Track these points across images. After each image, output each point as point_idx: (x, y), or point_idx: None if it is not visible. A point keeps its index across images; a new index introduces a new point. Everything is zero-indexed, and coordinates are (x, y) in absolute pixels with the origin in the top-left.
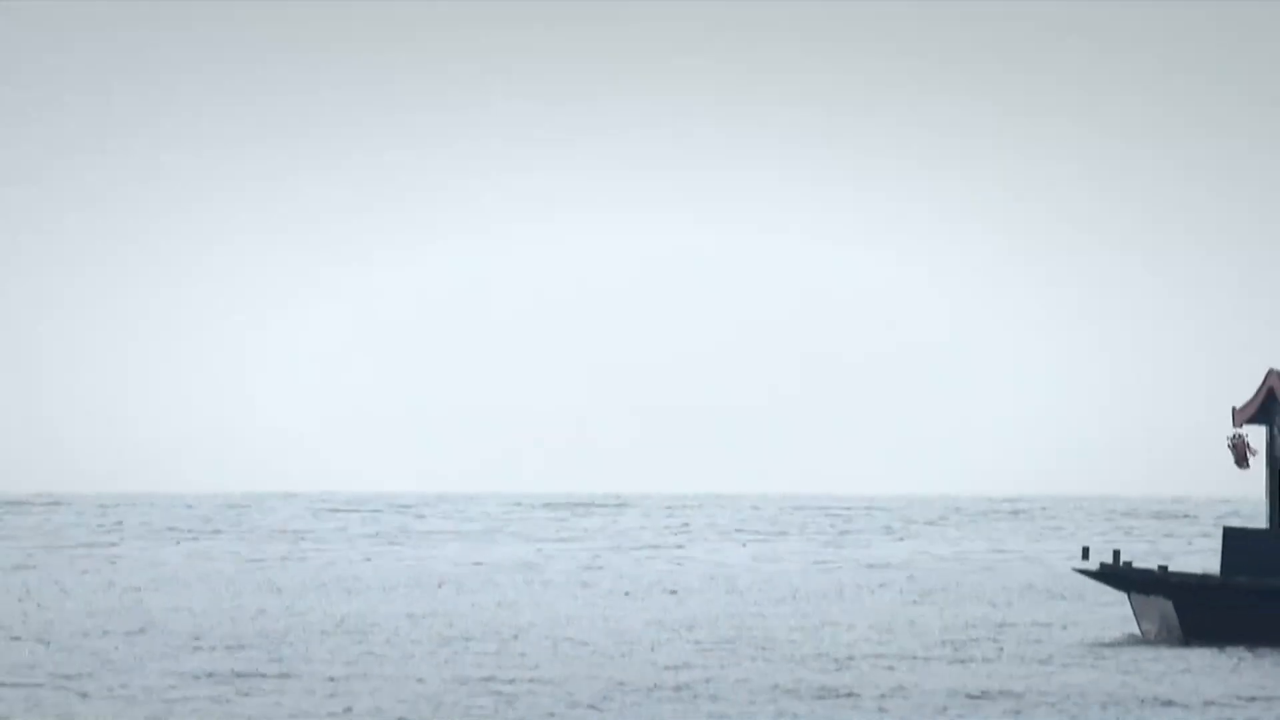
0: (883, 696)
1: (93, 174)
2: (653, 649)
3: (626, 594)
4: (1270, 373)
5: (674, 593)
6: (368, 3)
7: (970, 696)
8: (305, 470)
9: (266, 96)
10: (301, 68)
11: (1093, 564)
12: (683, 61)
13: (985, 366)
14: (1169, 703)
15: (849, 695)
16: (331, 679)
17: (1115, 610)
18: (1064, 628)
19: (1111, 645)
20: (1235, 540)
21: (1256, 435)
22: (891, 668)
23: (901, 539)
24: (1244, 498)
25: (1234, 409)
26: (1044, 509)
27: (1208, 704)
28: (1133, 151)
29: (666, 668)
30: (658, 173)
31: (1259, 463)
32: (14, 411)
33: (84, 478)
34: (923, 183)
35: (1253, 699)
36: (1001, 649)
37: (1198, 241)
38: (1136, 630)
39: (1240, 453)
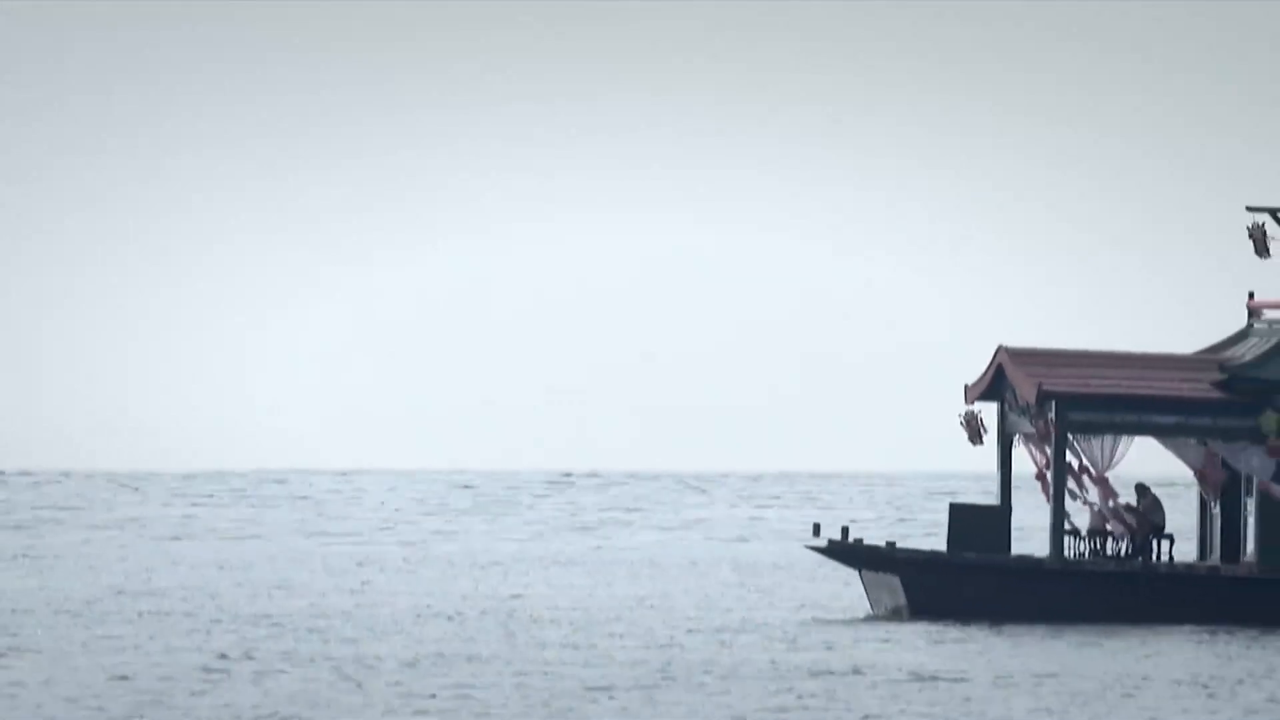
0: (586, 665)
1: (93, 174)
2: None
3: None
4: (999, 350)
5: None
6: (368, 3)
7: (665, 673)
8: (304, 470)
9: (266, 96)
10: (301, 68)
11: (822, 541)
12: (683, 61)
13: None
14: (860, 673)
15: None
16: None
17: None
18: (799, 603)
19: (834, 622)
20: (961, 517)
21: (988, 412)
22: (593, 644)
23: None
24: None
25: (966, 386)
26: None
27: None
28: (1133, 151)
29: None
30: (658, 173)
31: (991, 439)
32: (15, 410)
33: (84, 463)
34: (923, 182)
35: (960, 674)
36: (722, 623)
37: (1197, 241)
38: (869, 606)
39: (973, 429)
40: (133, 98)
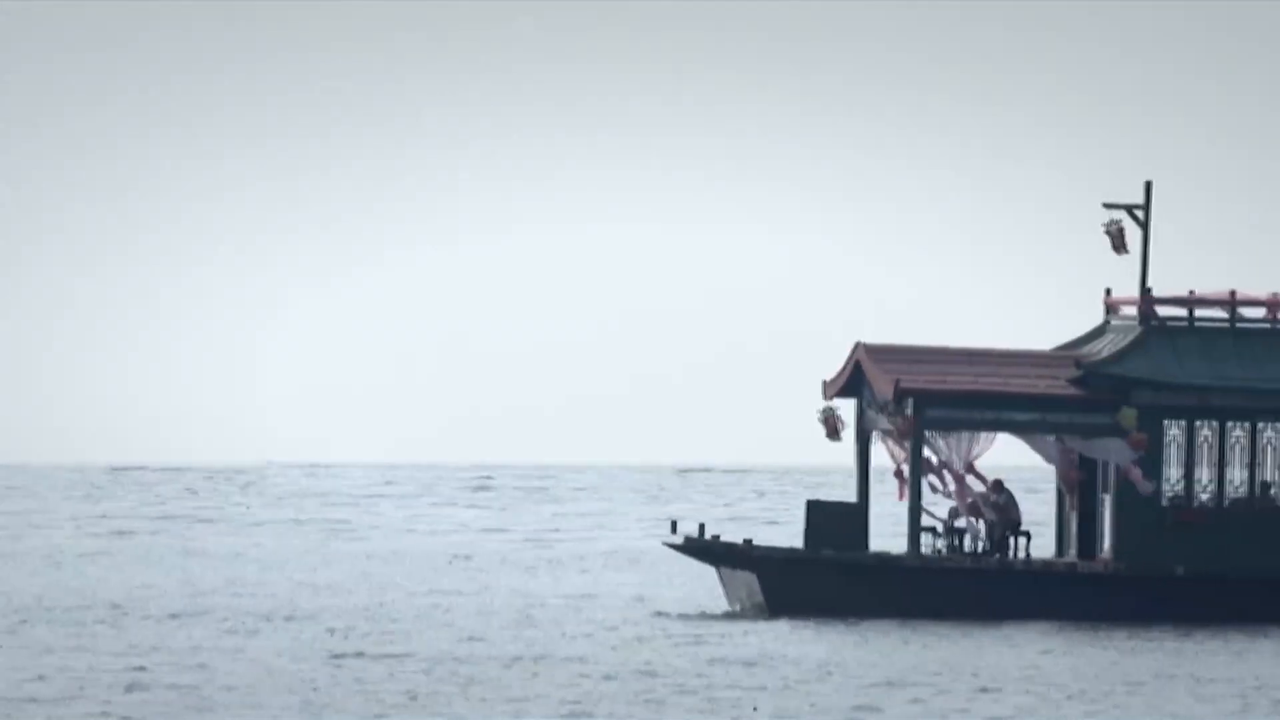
0: (435, 660)
1: (92, 174)
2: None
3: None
4: (857, 345)
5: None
6: (371, 2)
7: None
8: (306, 465)
9: (269, 96)
10: (302, 68)
11: (679, 538)
12: (683, 61)
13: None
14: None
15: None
16: None
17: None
18: (650, 599)
19: (686, 618)
20: (818, 513)
21: (846, 408)
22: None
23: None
24: None
25: (824, 382)
26: None
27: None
28: (987, 147)
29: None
30: (659, 173)
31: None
32: (16, 408)
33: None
34: (924, 182)
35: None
36: (567, 618)
37: (1054, 237)
38: (726, 604)
39: (831, 425)
40: (136, 97)
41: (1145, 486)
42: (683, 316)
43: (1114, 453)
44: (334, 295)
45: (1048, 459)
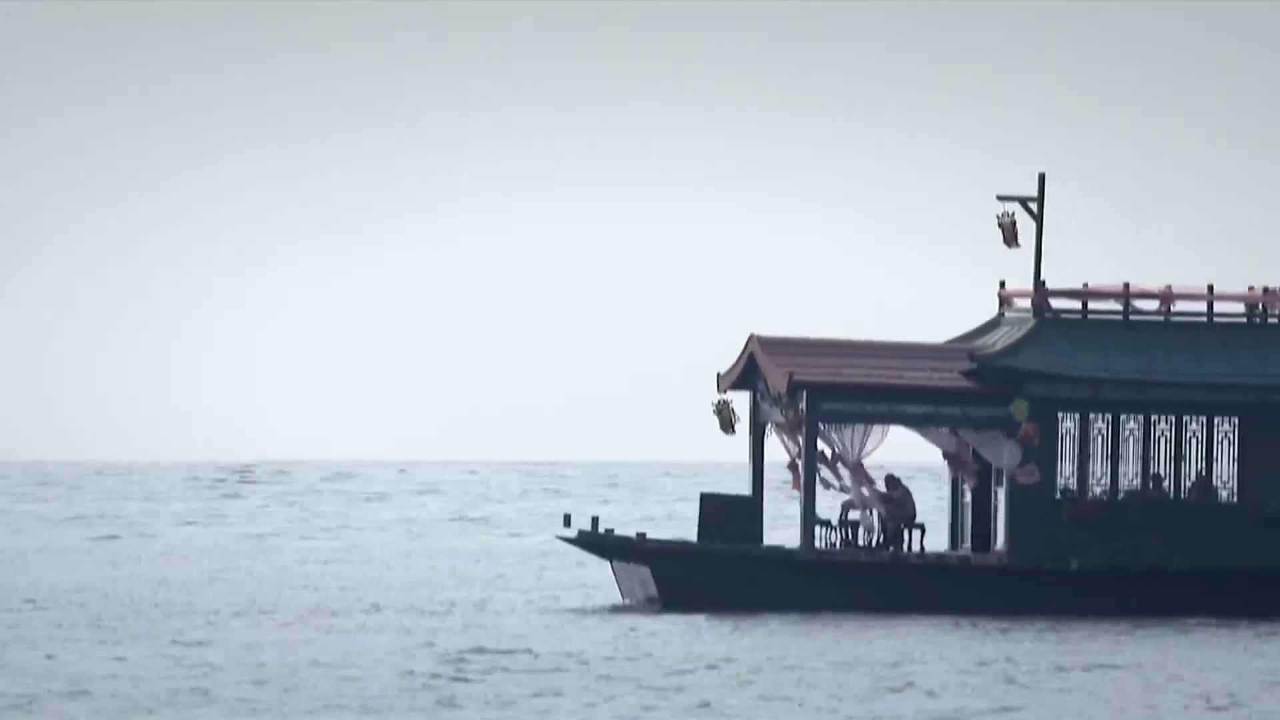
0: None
1: (92, 174)
2: None
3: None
4: (751, 338)
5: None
6: (371, 2)
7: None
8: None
9: (269, 96)
10: (303, 68)
11: (572, 531)
12: (683, 61)
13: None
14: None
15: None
16: None
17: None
18: (552, 594)
19: (579, 612)
20: (712, 507)
21: (740, 401)
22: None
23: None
24: None
25: (718, 375)
26: None
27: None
28: (880, 138)
29: None
30: (659, 173)
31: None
32: (16, 408)
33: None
34: (922, 183)
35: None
36: (455, 609)
37: (948, 229)
38: (620, 597)
39: (725, 419)
40: (136, 97)
41: (1033, 479)
42: (683, 316)
43: (1003, 456)
44: (334, 295)
45: (943, 451)
